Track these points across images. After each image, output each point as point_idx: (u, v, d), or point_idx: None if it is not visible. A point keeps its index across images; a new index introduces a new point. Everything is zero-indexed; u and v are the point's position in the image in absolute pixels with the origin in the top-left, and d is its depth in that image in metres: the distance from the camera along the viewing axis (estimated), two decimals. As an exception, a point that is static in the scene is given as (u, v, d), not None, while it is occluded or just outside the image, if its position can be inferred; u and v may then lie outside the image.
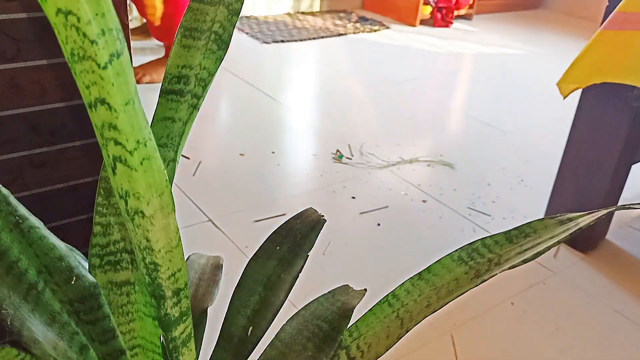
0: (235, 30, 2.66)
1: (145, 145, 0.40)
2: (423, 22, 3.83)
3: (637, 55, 1.28)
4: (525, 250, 0.52)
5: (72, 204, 0.90)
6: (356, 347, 0.57)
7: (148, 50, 2.75)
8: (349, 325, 0.58)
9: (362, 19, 3.76)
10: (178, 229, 0.45)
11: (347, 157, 2.02)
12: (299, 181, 1.86)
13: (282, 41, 3.18)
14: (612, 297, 1.47)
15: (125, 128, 0.38)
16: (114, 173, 0.40)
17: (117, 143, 0.38)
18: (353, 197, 1.79)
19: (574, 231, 0.51)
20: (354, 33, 3.48)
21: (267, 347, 0.61)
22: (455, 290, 0.52)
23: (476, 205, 1.81)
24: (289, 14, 3.74)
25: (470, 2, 4.00)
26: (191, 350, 0.52)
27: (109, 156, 0.39)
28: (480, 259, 0.53)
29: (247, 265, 0.66)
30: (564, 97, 1.42)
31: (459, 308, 1.37)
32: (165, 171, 0.42)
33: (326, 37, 3.35)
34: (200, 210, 1.64)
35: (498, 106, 2.66)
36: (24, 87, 0.79)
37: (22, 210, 0.49)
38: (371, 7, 3.99)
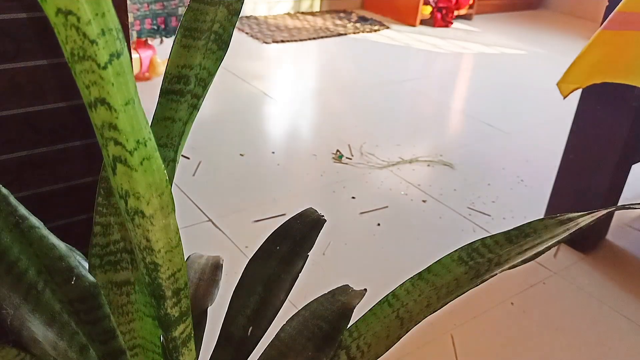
0: (235, 30, 2.65)
1: (145, 145, 0.40)
2: (423, 22, 3.83)
3: (637, 55, 1.28)
4: (525, 250, 0.52)
5: (72, 204, 0.90)
6: (356, 347, 0.57)
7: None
8: (349, 325, 0.58)
9: (362, 19, 3.76)
10: (178, 229, 0.45)
11: (347, 157, 2.02)
12: (299, 181, 1.86)
13: (282, 41, 3.18)
14: (612, 297, 1.46)
15: (125, 128, 0.38)
16: (114, 173, 0.40)
17: (117, 143, 0.38)
18: (353, 197, 1.79)
19: (574, 231, 0.51)
20: (354, 33, 3.48)
21: (267, 347, 0.61)
22: (455, 290, 0.52)
23: (476, 205, 1.81)
24: (289, 14, 3.74)
25: (470, 2, 4.00)
26: (191, 350, 0.52)
27: (109, 156, 0.39)
28: (480, 259, 0.53)
29: (247, 265, 0.66)
30: (564, 97, 1.42)
31: (459, 308, 1.37)
32: (165, 171, 0.42)
33: (326, 37, 3.35)
34: (200, 210, 1.64)
35: (498, 106, 2.65)
36: (24, 87, 0.79)
37: (22, 210, 0.49)
38: (371, 7, 3.99)
